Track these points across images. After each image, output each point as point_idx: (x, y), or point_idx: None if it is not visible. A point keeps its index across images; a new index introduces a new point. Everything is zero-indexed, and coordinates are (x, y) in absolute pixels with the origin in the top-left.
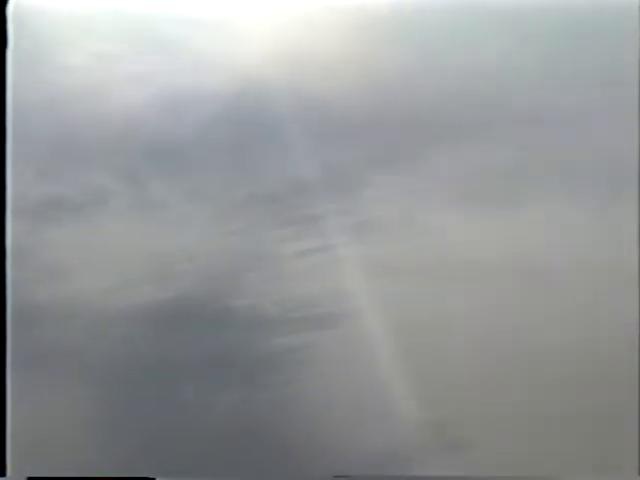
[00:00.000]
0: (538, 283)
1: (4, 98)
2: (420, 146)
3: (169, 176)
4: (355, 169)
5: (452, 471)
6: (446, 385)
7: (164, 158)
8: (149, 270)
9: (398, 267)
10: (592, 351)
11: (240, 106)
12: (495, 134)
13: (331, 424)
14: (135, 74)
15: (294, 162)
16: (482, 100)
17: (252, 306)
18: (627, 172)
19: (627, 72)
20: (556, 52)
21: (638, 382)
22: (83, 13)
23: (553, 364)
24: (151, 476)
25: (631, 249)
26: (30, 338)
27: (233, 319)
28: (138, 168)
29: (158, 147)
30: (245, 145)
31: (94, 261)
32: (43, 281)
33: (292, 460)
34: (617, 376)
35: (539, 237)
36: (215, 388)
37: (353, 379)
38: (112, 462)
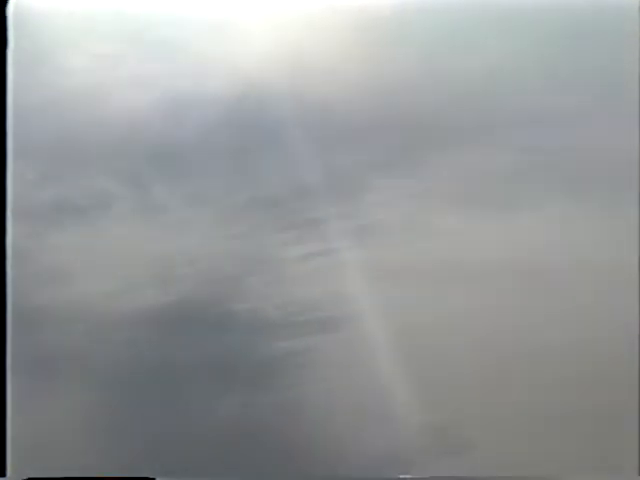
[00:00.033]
0: (539, 284)
1: (4, 99)
2: (422, 149)
3: (170, 180)
4: (357, 172)
5: (453, 473)
6: (448, 387)
7: (165, 161)
8: (150, 274)
9: (400, 270)
10: (592, 351)
11: (242, 109)
12: (496, 136)
13: (333, 427)
14: (136, 76)
15: (296, 165)
16: (484, 102)
17: (254, 310)
18: (627, 172)
19: (627, 72)
20: (556, 53)
21: (638, 382)
22: (84, 14)
23: (553, 364)
24: (151, 476)
25: (631, 250)
26: (30, 341)
27: (235, 323)
28: (139, 171)
29: (159, 150)
30: (247, 148)
31: (96, 264)
32: (44, 284)
33: (293, 463)
34: (617, 376)
35: (540, 239)
36: (216, 391)
37: (355, 382)
38: (112, 464)
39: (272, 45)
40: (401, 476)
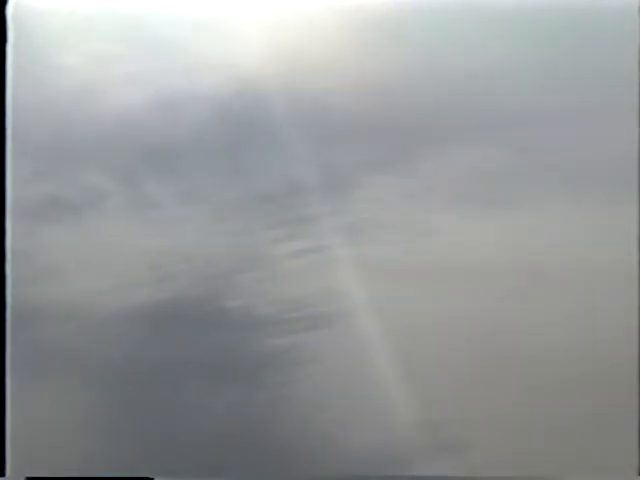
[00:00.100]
0: (538, 284)
1: (4, 98)
2: (419, 148)
3: (165, 177)
4: (352, 170)
5: (447, 472)
6: (442, 385)
7: (160, 159)
8: (142, 271)
9: (393, 268)
10: (592, 351)
11: (237, 107)
12: (495, 135)
13: (326, 425)
14: (132, 74)
15: (291, 163)
16: (482, 101)
17: (246, 306)
18: (627, 172)
19: (627, 72)
20: (556, 53)
21: (638, 382)
22: (83, 14)
23: (554, 364)
24: (148, 475)
25: (631, 249)
26: (28, 339)
27: (227, 320)
28: (133, 169)
29: (154, 148)
30: (241, 146)
31: (90, 262)
32: (39, 282)
33: (287, 461)
34: (617, 376)
35: (539, 238)
36: (209, 389)
37: (347, 379)
38: (104, 461)
39: (269, 44)
40: (401, 476)
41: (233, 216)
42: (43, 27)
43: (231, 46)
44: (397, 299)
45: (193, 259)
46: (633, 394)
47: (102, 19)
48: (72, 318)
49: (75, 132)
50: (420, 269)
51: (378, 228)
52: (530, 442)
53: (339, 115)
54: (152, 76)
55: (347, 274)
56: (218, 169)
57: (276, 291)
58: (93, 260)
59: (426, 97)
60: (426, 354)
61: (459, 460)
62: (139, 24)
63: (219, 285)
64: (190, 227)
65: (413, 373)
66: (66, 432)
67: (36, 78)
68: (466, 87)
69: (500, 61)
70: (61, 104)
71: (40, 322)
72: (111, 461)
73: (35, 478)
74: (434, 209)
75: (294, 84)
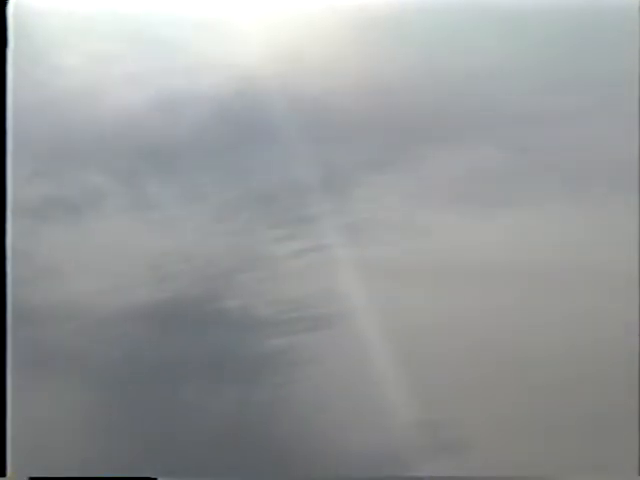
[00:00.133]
0: (538, 284)
1: (4, 98)
2: (419, 147)
3: (165, 177)
4: (352, 170)
5: (450, 472)
6: (442, 385)
7: (160, 159)
8: (142, 271)
9: (393, 268)
10: (592, 351)
11: (237, 107)
12: (495, 135)
13: (325, 425)
14: (132, 74)
15: (291, 163)
16: (482, 101)
17: (246, 307)
18: (627, 172)
19: (627, 72)
20: (556, 53)
21: (638, 382)
22: (83, 14)
23: (554, 364)
24: (148, 475)
25: (631, 249)
26: (28, 339)
27: (227, 320)
28: (133, 169)
29: (154, 148)
30: (241, 146)
31: (90, 261)
32: (39, 282)
33: (287, 461)
34: (617, 376)
35: (539, 238)
36: (208, 389)
37: (346, 380)
38: (104, 461)
39: (269, 44)
40: (401, 476)
41: (233, 216)
42: (43, 27)
43: (231, 46)
44: (397, 299)
45: (193, 259)
46: (633, 394)
47: (102, 19)
48: (72, 318)
49: (75, 132)
50: (420, 269)
51: (378, 228)
52: (530, 442)
53: (339, 115)
54: (152, 76)
55: (347, 274)
56: (218, 169)
57: (276, 291)
58: (93, 260)
59: (426, 97)
60: (426, 354)
61: (459, 460)
62: (139, 24)
63: (219, 285)
64: (190, 227)
65: (413, 373)
66: (66, 432)
67: (36, 78)
68: (466, 87)
69: (500, 61)
70: (61, 104)
71: (40, 322)
72: (111, 461)
73: (37, 478)
74: (434, 209)
75: (294, 84)
